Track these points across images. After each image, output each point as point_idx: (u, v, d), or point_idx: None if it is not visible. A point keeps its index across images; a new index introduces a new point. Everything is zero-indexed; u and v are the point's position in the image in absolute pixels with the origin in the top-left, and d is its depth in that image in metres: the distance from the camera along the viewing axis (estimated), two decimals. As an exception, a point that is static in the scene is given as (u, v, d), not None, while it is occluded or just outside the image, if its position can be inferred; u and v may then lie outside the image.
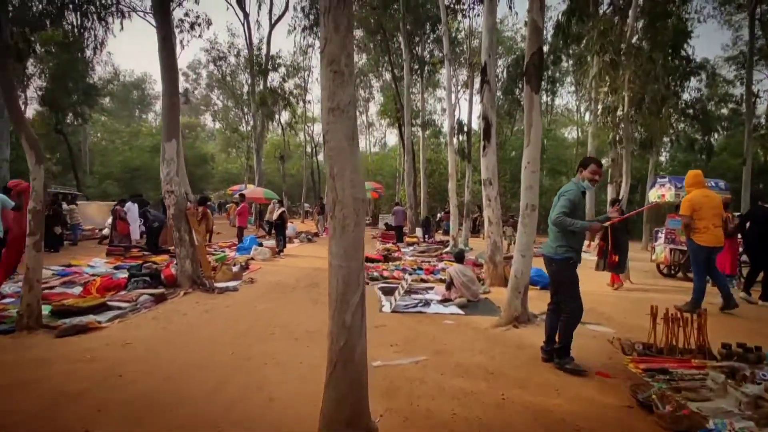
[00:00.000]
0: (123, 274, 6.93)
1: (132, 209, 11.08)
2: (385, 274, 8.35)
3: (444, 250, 12.76)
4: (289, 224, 15.62)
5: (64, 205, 13.29)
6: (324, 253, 12.71)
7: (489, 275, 7.78)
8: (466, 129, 15.78)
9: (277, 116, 20.23)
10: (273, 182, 29.38)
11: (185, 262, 6.54)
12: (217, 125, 37.39)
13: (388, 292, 6.71)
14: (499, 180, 7.99)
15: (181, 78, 44.15)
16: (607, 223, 3.84)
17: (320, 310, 5.40)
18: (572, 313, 3.61)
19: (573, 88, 35.65)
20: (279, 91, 18.46)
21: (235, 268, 7.53)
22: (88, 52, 20.73)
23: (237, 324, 4.72)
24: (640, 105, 8.96)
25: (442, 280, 7.86)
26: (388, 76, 24.58)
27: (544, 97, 35.04)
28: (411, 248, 13.67)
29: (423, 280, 7.95)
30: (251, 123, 24.15)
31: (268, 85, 18.24)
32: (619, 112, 9.88)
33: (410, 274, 8.36)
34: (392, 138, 49.71)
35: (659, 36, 8.79)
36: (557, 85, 32.05)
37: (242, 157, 32.35)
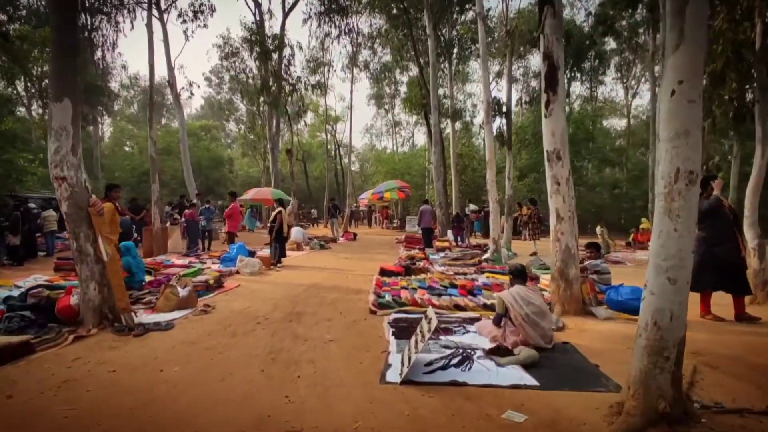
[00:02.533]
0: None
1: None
2: (404, 294, 5.77)
3: (483, 257, 10.06)
4: (296, 228, 13.34)
5: (44, 212, 11.57)
6: (333, 264, 10.04)
7: (558, 298, 5.13)
8: (505, 109, 13.02)
9: (283, 107, 17.92)
10: (296, 184, 27.27)
11: (89, 287, 4.25)
12: (242, 129, 35.85)
13: (404, 331, 4.18)
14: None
15: (204, 83, 43.31)
16: None
17: (274, 382, 2.93)
18: None
19: (618, 74, 31.92)
20: (284, 75, 16.14)
21: (183, 292, 5.19)
22: (98, 54, 19.79)
23: (76, 427, 2.32)
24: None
25: (487, 307, 5.27)
26: (414, 68, 22.08)
27: (587, 85, 31.46)
28: (441, 255, 11.03)
29: (457, 306, 5.34)
30: (267, 121, 22.34)
31: (271, 68, 15.95)
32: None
33: (440, 296, 5.78)
34: (420, 137, 47.00)
35: None
36: (601, 69, 28.52)
37: (259, 158, 30.53)
